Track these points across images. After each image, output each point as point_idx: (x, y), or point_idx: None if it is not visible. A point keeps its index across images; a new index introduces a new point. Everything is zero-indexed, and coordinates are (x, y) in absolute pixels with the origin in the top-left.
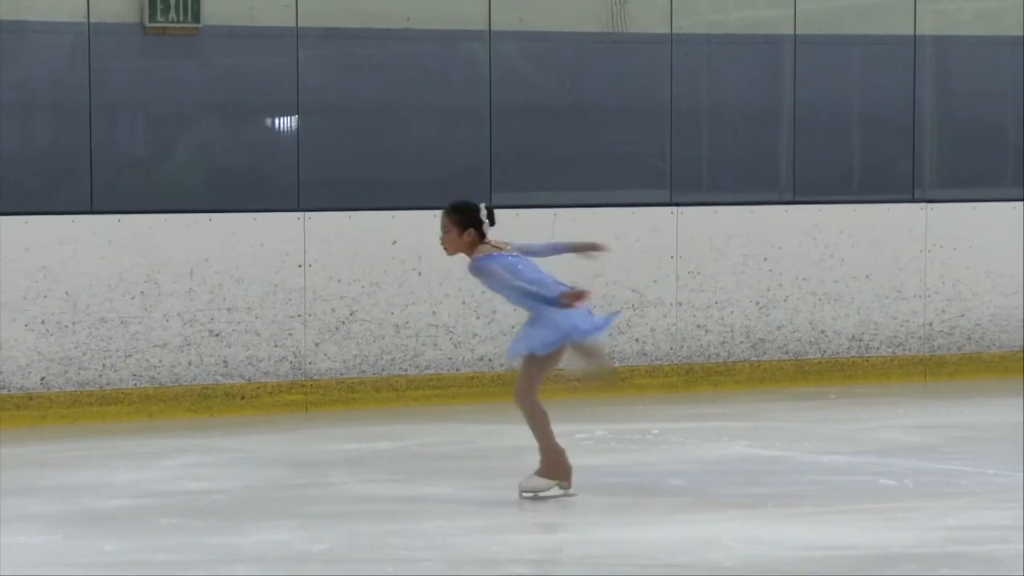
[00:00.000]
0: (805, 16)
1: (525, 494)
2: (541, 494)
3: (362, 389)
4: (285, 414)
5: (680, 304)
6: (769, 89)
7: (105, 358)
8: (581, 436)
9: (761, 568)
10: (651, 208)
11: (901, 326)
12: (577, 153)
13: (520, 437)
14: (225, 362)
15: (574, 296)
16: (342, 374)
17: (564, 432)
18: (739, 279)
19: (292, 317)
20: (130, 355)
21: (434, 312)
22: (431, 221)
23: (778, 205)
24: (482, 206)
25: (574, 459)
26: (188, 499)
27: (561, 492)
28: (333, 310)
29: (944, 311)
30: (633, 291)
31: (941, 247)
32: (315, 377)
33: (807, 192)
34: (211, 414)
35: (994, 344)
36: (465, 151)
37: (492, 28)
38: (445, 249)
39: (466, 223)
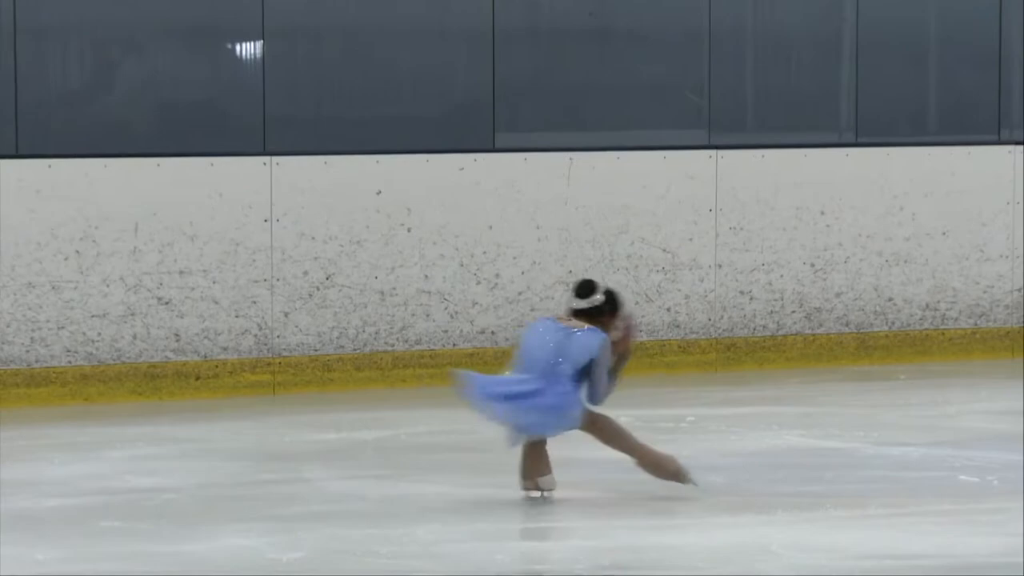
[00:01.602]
0: None
1: (533, 494)
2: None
3: (340, 368)
4: (249, 397)
5: (720, 267)
6: (828, 9)
7: (33, 331)
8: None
9: None
10: (686, 152)
11: (984, 293)
12: (598, 86)
13: None
14: (177, 336)
15: None
16: (316, 350)
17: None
18: (790, 236)
19: (257, 282)
20: (63, 327)
21: (426, 276)
22: (422, 167)
23: (838, 148)
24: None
25: (591, 452)
26: (134, 498)
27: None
28: (305, 273)
29: None
30: (664, 251)
31: None
32: (284, 353)
33: (872, 133)
34: (161, 397)
35: None
36: (463, 83)
37: None
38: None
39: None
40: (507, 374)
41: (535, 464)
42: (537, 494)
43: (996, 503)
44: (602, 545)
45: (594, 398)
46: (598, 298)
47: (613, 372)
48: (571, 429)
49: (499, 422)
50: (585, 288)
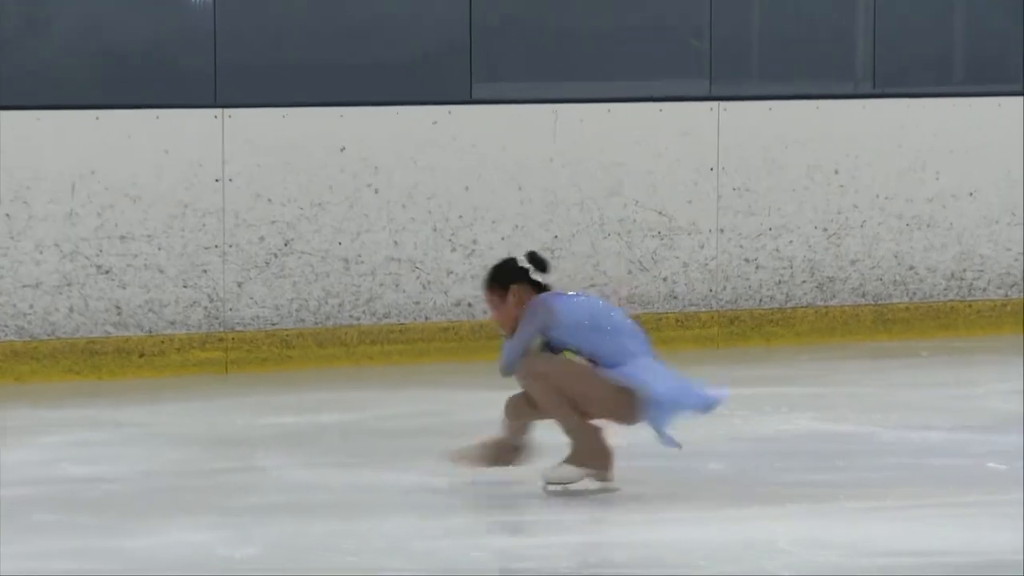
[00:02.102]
0: None
1: (551, 487)
2: (571, 487)
3: (300, 344)
4: (199, 376)
5: (723, 231)
6: None
7: None
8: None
9: None
10: (684, 103)
11: (1016, 260)
12: (586, 30)
13: None
14: (118, 308)
15: None
16: (274, 324)
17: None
18: (801, 198)
19: (207, 248)
20: None
21: (395, 242)
22: (390, 121)
23: (853, 99)
24: (520, 256)
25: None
26: (72, 489)
27: (598, 484)
28: (261, 239)
29: None
30: (660, 214)
31: None
32: (238, 328)
33: (892, 82)
34: (100, 376)
35: None
36: (436, 27)
37: None
38: (503, 331)
39: (504, 281)
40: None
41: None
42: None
43: None
44: (591, 540)
45: None
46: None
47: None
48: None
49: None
50: (546, 260)
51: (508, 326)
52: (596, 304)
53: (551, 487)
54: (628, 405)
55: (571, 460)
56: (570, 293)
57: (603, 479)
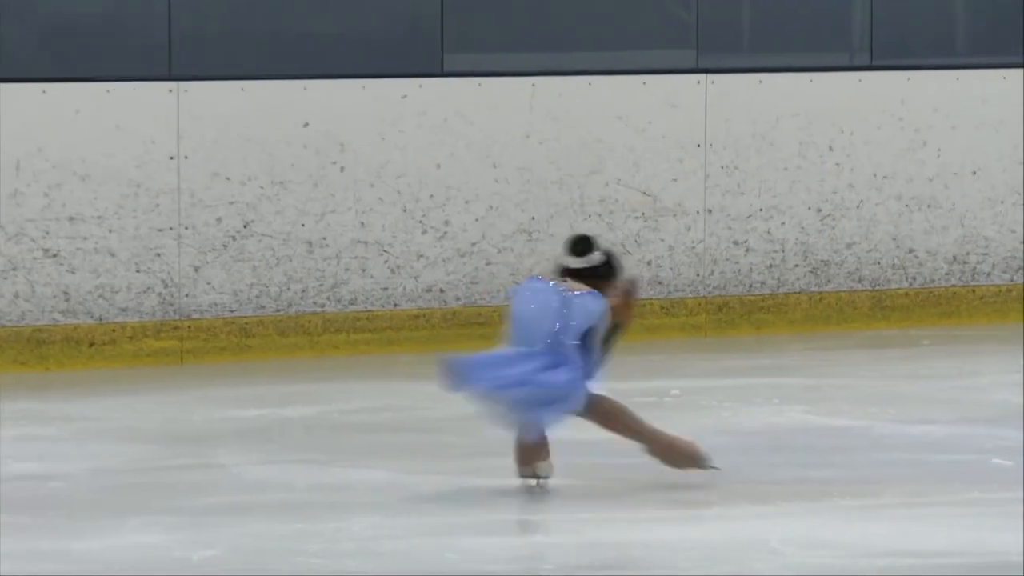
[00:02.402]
0: None
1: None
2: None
3: (260, 332)
4: (153, 367)
5: (711, 212)
6: None
7: None
8: None
9: None
10: (670, 76)
11: (1021, 243)
12: None
13: None
14: (66, 294)
15: None
16: (232, 311)
17: None
18: (794, 177)
19: (161, 231)
20: None
21: (362, 224)
22: (356, 94)
23: (850, 72)
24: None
25: (564, 433)
26: (17, 487)
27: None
28: (219, 220)
29: None
30: (644, 195)
31: None
32: (194, 315)
33: (890, 54)
34: (48, 367)
35: None
36: None
37: None
38: None
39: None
40: (501, 350)
41: (535, 447)
42: (534, 482)
43: None
44: (570, 541)
45: (589, 374)
46: (596, 257)
47: (606, 344)
48: (572, 413)
49: (508, 413)
50: (581, 245)
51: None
52: (530, 309)
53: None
54: None
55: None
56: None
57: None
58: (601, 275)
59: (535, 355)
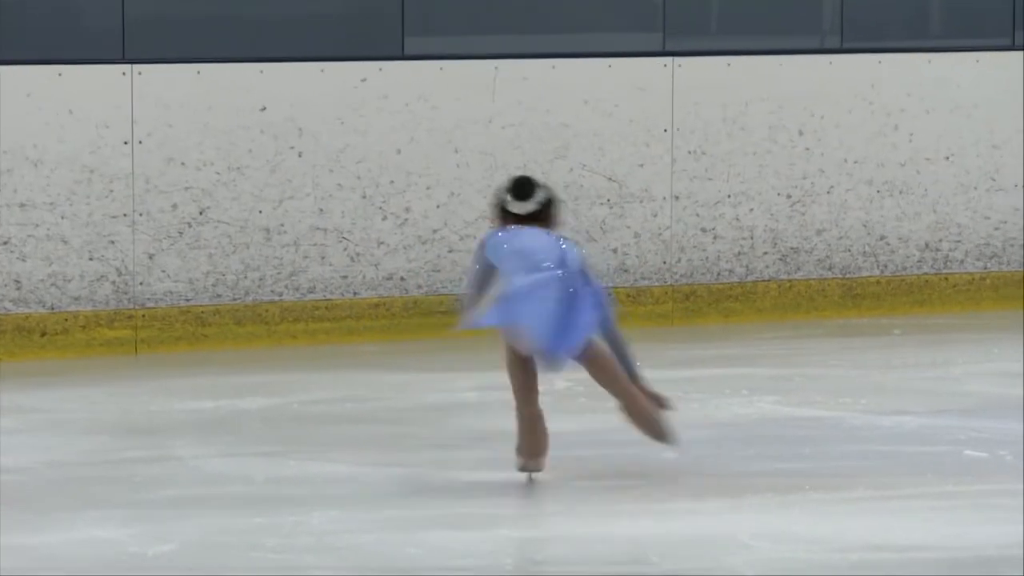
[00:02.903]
0: None
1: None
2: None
3: (217, 322)
4: (107, 357)
5: (677, 199)
6: None
7: None
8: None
9: None
10: (636, 59)
11: (996, 229)
12: None
13: (449, 391)
14: (17, 282)
15: None
16: (188, 299)
17: (504, 383)
18: (762, 162)
19: (115, 217)
20: None
21: (321, 210)
22: (315, 78)
23: (820, 55)
24: (510, 178)
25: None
26: None
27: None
28: (174, 207)
29: None
30: (609, 180)
31: None
32: (149, 304)
33: (861, 36)
34: None
35: None
36: None
37: None
38: None
39: (495, 207)
40: (518, 282)
41: (541, 437)
42: (526, 476)
43: (1008, 483)
44: (535, 535)
45: (606, 321)
46: (540, 196)
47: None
48: (572, 355)
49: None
50: (527, 187)
51: None
52: (531, 242)
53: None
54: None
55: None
56: (524, 230)
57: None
58: (543, 218)
59: (550, 285)
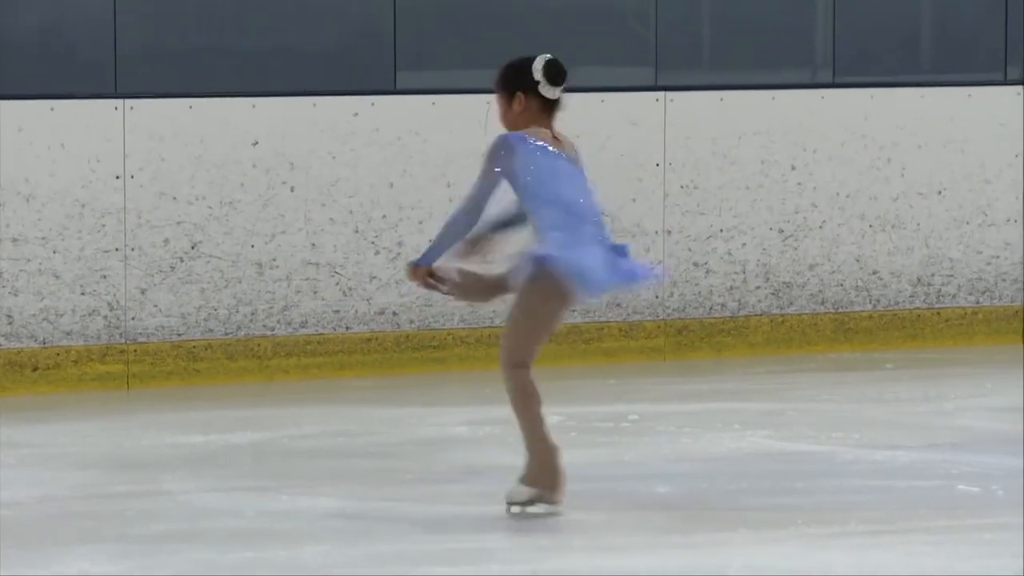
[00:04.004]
0: None
1: (513, 509)
2: (528, 509)
3: (209, 356)
4: (98, 392)
5: (670, 233)
6: None
7: None
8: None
9: None
10: (628, 93)
11: (988, 264)
12: (520, 14)
13: (440, 425)
14: (9, 317)
15: None
16: (180, 335)
17: (501, 417)
18: (755, 196)
19: (107, 252)
20: None
21: (314, 245)
22: (307, 112)
23: (812, 89)
24: (538, 60)
25: (512, 455)
26: None
27: (543, 508)
28: (166, 241)
29: None
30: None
31: None
32: (141, 339)
33: (853, 71)
34: None
35: None
36: (357, 10)
37: None
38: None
39: (512, 86)
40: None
41: (562, 477)
42: (543, 507)
43: (1000, 517)
44: (526, 570)
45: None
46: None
47: None
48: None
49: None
50: (562, 72)
51: (510, 128)
52: (563, 169)
53: (513, 510)
54: (559, 298)
55: (527, 479)
56: (548, 148)
57: (549, 503)
58: (559, 107)
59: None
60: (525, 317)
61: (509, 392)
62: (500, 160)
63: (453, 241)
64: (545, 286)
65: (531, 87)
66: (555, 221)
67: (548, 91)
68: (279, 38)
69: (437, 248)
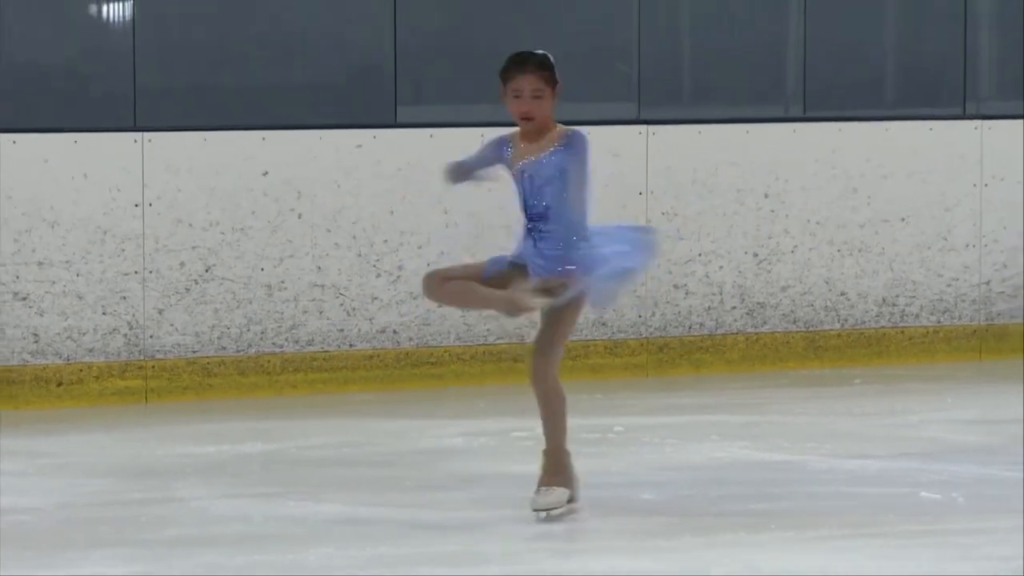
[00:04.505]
0: None
1: (540, 514)
2: (555, 512)
3: (222, 372)
4: (118, 406)
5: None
6: None
7: None
8: (519, 434)
9: None
10: (612, 127)
11: (948, 286)
12: (511, 51)
13: (438, 436)
14: (35, 336)
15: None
16: (195, 352)
17: (495, 429)
18: (731, 223)
19: (127, 274)
20: None
21: (319, 268)
22: (314, 144)
23: (784, 123)
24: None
25: (506, 464)
26: None
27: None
28: (182, 265)
29: (1006, 265)
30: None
31: (1003, 180)
32: (158, 356)
33: (823, 105)
34: (16, 406)
35: None
36: (360, 49)
37: None
38: (528, 121)
39: (555, 76)
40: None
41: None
42: (561, 510)
43: (963, 523)
44: (520, 572)
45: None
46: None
47: None
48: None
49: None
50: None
51: (540, 124)
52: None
53: (541, 515)
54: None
55: (551, 481)
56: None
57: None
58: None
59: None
60: (571, 328)
61: (557, 398)
62: (489, 146)
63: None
64: (582, 299)
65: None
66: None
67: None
68: (287, 75)
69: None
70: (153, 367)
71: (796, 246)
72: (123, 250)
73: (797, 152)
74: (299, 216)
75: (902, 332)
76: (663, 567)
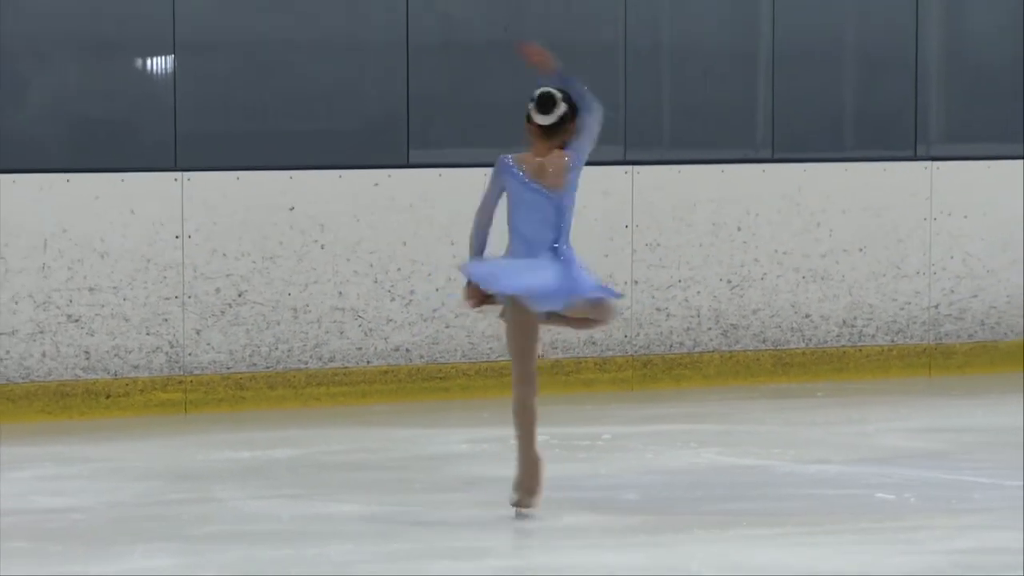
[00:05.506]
0: None
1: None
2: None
3: (253, 386)
4: (160, 416)
5: (636, 283)
6: (743, 23)
7: None
8: (516, 442)
9: None
10: (601, 167)
11: (901, 309)
12: (511, 101)
13: (445, 443)
14: (87, 353)
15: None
16: (229, 368)
17: (496, 436)
18: (707, 253)
19: (168, 299)
20: None
21: (340, 293)
22: (335, 183)
23: (754, 164)
24: (536, 91)
25: (504, 470)
26: (41, 519)
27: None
28: (218, 290)
29: (953, 291)
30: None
31: (949, 214)
32: (196, 372)
33: (788, 148)
34: (70, 416)
35: (1012, 331)
36: (377, 98)
37: None
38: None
39: (526, 115)
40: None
41: (539, 479)
42: (525, 511)
43: (914, 521)
44: (519, 564)
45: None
46: (562, 108)
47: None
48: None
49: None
50: (549, 103)
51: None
52: (527, 200)
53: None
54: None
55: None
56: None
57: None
58: (568, 119)
59: (545, 263)
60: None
61: (534, 409)
62: (493, 177)
63: (480, 245)
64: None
65: (529, 116)
66: (513, 248)
67: (539, 118)
68: (311, 122)
69: (474, 255)
70: (192, 382)
71: (765, 274)
72: (165, 277)
73: (766, 190)
74: (322, 247)
75: (860, 350)
76: (645, 560)
